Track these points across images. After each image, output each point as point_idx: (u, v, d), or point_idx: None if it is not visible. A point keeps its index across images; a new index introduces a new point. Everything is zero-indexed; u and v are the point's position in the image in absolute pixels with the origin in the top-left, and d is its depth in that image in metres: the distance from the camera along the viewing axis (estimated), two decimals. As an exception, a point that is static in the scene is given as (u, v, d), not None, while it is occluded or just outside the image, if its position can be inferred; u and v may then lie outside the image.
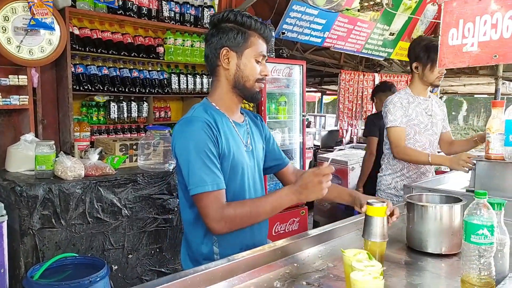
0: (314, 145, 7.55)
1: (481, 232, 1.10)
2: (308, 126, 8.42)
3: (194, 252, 1.38)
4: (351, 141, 6.39)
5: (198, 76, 3.88)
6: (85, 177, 2.50)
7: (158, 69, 3.69)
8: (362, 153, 6.24)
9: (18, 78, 2.68)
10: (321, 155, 6.26)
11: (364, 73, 5.83)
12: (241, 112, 1.49)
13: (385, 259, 1.33)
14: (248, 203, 1.28)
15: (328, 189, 1.44)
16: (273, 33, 4.22)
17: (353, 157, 5.37)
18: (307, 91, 11.74)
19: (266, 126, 1.61)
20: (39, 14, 2.14)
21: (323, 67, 6.08)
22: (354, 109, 5.69)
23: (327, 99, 13.19)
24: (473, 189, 1.92)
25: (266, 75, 1.40)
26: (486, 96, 8.24)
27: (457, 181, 2.40)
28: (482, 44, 1.03)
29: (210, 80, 1.48)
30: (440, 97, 8.00)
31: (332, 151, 6.34)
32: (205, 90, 3.91)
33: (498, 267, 1.18)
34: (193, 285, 1.09)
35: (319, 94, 12.53)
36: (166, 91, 3.62)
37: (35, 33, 2.67)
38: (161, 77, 3.64)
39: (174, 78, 3.68)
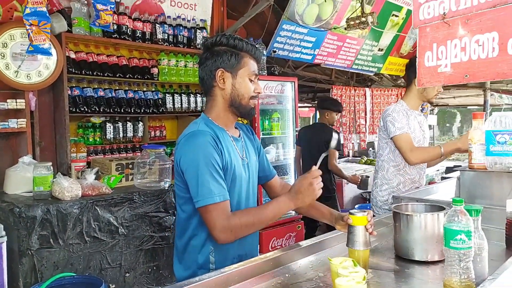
0: (310, 159, 7.63)
1: (459, 238, 1.16)
2: (302, 141, 8.52)
3: (188, 261, 1.44)
4: (346, 155, 6.47)
5: (192, 95, 3.97)
6: (82, 197, 2.55)
7: (153, 89, 3.78)
8: (357, 166, 6.34)
9: (16, 102, 2.76)
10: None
11: (356, 88, 5.96)
12: (235, 127, 1.56)
13: (374, 267, 1.39)
14: (252, 212, 1.37)
15: (310, 207, 1.54)
16: (264, 51, 4.35)
17: (348, 170, 5.44)
18: (301, 107, 11.89)
19: (257, 138, 1.69)
20: (37, 40, 2.23)
21: (315, 83, 6.21)
22: (348, 124, 5.80)
23: (321, 114, 13.29)
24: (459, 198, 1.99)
25: (259, 93, 1.48)
26: (477, 107, 8.38)
27: (446, 191, 2.46)
28: (454, 65, 1.12)
29: (205, 99, 1.54)
30: (432, 110, 8.14)
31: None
32: (199, 108, 4.00)
33: (477, 270, 1.24)
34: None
35: (313, 109, 12.66)
36: (161, 110, 3.70)
37: (32, 58, 2.76)
38: (156, 97, 3.72)
39: (168, 98, 3.77)
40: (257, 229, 1.41)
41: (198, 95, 4.03)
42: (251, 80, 1.44)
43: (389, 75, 6.51)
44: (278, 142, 4.74)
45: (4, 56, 2.67)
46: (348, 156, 6.45)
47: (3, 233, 1.98)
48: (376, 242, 1.73)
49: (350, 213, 1.35)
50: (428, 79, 1.19)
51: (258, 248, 1.69)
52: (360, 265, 1.22)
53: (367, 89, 6.11)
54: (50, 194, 2.51)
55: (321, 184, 1.34)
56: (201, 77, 1.48)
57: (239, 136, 1.52)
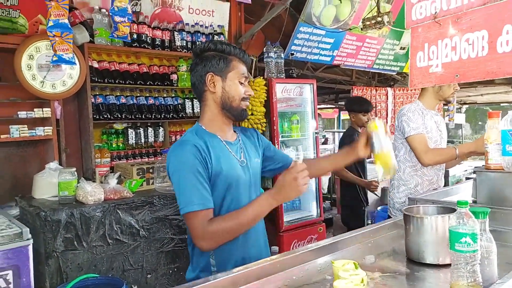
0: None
1: (464, 240, 1.14)
2: (325, 142, 8.45)
3: (194, 264, 1.48)
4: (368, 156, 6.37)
5: (211, 100, 4.03)
6: (104, 200, 2.65)
7: (173, 95, 3.88)
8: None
9: (42, 111, 2.90)
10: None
11: (377, 88, 5.87)
12: (234, 131, 1.58)
13: (384, 270, 1.39)
14: (232, 216, 1.36)
15: (324, 160, 1.56)
16: (282, 54, 4.36)
17: (370, 171, 5.37)
18: (324, 108, 11.80)
19: (262, 137, 1.70)
20: (61, 50, 2.35)
21: (335, 84, 6.16)
22: (368, 124, 5.72)
23: (345, 115, 13.19)
24: (475, 199, 1.94)
25: (250, 95, 1.51)
26: (507, 104, 8.07)
27: (465, 193, 2.40)
28: (445, 65, 1.11)
29: (199, 105, 1.58)
30: (459, 108, 7.90)
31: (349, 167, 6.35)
32: (218, 113, 4.06)
33: (486, 274, 1.21)
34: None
35: (337, 110, 12.55)
36: (180, 115, 3.79)
37: (57, 68, 2.90)
38: (176, 103, 3.82)
39: (187, 103, 3.85)
40: (240, 232, 1.40)
41: (217, 99, 4.09)
42: (241, 83, 1.47)
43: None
44: (297, 144, 4.73)
45: (30, 67, 2.82)
46: (370, 157, 6.35)
47: (29, 236, 2.09)
48: (390, 245, 1.71)
49: (370, 124, 1.49)
50: (420, 79, 1.18)
51: (269, 249, 1.70)
52: (387, 168, 1.43)
53: (389, 88, 6.01)
54: (75, 198, 2.62)
55: (307, 179, 1.31)
56: (192, 82, 1.52)
57: (235, 140, 1.54)
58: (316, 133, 4.71)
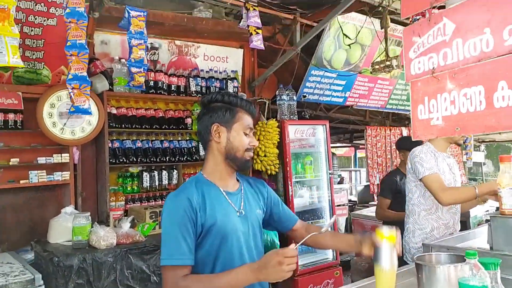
0: (350, 200, 7.43)
1: (474, 294, 1.11)
2: (340, 182, 8.35)
3: None
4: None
5: (224, 143, 4.11)
6: (116, 245, 2.67)
7: (187, 138, 3.97)
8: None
9: (61, 157, 3.01)
10: (356, 212, 6.16)
11: (391, 127, 5.87)
12: (237, 179, 1.58)
13: None
14: (204, 279, 1.33)
15: (329, 237, 1.49)
16: (294, 97, 4.45)
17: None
18: (340, 147, 11.77)
19: (271, 190, 1.68)
20: (78, 102, 2.48)
21: (349, 124, 6.19)
22: (384, 164, 5.67)
23: (361, 153, 13.11)
24: (491, 246, 1.87)
25: (254, 146, 1.52)
26: (528, 141, 7.89)
27: (482, 238, 2.32)
28: (445, 118, 1.13)
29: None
30: (478, 146, 7.77)
31: (367, 207, 6.22)
32: (231, 155, 4.12)
33: (500, 329, 1.16)
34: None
35: (353, 149, 12.49)
36: (194, 158, 3.86)
37: (77, 115, 3.03)
38: (190, 146, 3.90)
39: (201, 146, 3.93)
40: None
41: (230, 142, 4.16)
42: (245, 134, 1.49)
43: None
44: (312, 185, 4.70)
45: (51, 115, 2.97)
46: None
47: (41, 282, 2.12)
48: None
49: (378, 231, 1.31)
50: (422, 131, 1.19)
51: None
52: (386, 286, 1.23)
53: (403, 128, 5.99)
54: (88, 243, 2.65)
55: (293, 266, 1.21)
56: (198, 131, 1.54)
57: (237, 189, 1.54)
58: (330, 173, 4.69)
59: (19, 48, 2.23)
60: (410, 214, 2.45)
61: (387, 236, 1.31)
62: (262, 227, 1.62)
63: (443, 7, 1.16)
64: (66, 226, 2.78)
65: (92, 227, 2.69)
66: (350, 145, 10.16)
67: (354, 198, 7.97)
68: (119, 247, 2.66)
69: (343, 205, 6.16)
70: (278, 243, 4.26)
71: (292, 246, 1.24)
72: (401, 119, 6.58)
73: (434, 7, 1.14)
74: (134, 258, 2.67)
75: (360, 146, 10.13)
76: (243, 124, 1.49)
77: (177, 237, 1.33)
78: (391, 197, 3.38)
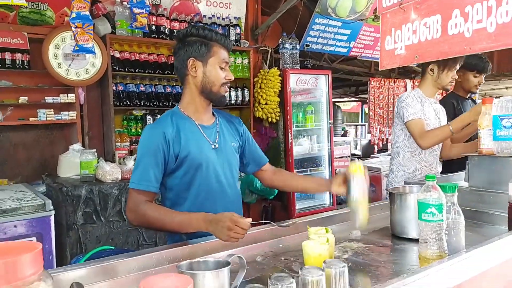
0: (353, 154, 7.57)
1: (429, 211, 1.24)
2: (344, 135, 8.45)
3: (168, 236, 1.59)
4: (384, 149, 6.36)
5: (226, 89, 4.19)
6: (121, 180, 2.86)
7: (190, 84, 4.05)
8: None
9: (67, 97, 3.14)
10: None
11: (395, 79, 5.85)
12: (213, 114, 1.62)
13: (368, 242, 1.49)
14: (161, 211, 1.41)
15: (300, 179, 1.62)
16: (297, 45, 4.45)
17: (387, 164, 5.37)
18: (345, 101, 11.74)
19: (245, 127, 1.73)
20: (82, 41, 2.56)
21: (351, 76, 6.17)
22: (385, 116, 5.72)
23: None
24: (469, 183, 1.99)
25: (230, 79, 1.54)
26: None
27: (460, 177, 2.42)
28: (407, 47, 1.20)
29: (182, 88, 1.60)
30: (484, 102, 7.70)
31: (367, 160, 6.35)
32: (233, 102, 4.21)
33: (453, 243, 1.30)
34: (193, 255, 1.30)
35: (360, 104, 12.45)
36: (196, 104, 3.96)
37: (81, 57, 3.12)
38: (192, 92, 3.98)
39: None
40: (161, 229, 1.44)
41: (232, 89, 4.24)
42: (221, 68, 1.51)
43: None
44: (312, 135, 4.81)
45: (57, 56, 3.06)
46: (387, 150, 6.34)
47: (52, 207, 2.32)
48: (378, 224, 1.79)
49: (348, 167, 1.44)
50: (387, 61, 1.27)
51: None
52: (361, 219, 1.39)
53: (408, 80, 5.96)
54: (94, 177, 2.84)
55: (239, 236, 1.23)
56: (175, 66, 1.56)
57: (213, 124, 1.58)
58: (330, 123, 4.77)
59: (22, -13, 2.28)
60: (394, 156, 2.57)
61: (355, 169, 1.41)
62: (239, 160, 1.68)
63: None
64: (74, 162, 2.97)
65: (98, 162, 2.86)
66: (356, 99, 10.14)
67: (358, 152, 8.12)
68: (123, 181, 2.85)
69: (345, 157, 6.30)
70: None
71: (249, 219, 1.23)
72: (407, 72, 6.52)
73: None
74: (137, 192, 2.86)
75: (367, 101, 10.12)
76: (218, 58, 1.50)
77: (146, 165, 1.42)
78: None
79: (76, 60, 3.12)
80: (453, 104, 2.96)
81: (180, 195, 1.52)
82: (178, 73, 1.57)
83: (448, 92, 3.04)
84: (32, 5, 3.02)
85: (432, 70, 2.38)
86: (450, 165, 2.76)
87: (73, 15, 2.51)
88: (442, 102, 3.05)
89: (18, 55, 3.02)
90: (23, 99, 3.03)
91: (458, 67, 2.41)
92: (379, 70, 1.36)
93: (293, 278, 0.89)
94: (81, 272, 1.13)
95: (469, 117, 2.17)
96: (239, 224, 1.21)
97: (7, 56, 2.98)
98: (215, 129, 1.58)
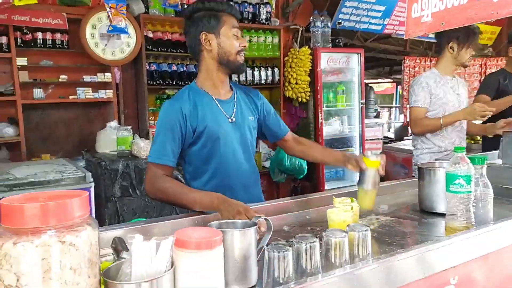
0: (385, 137, 7.42)
1: (457, 182, 1.24)
2: (377, 116, 8.27)
3: None
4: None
5: (256, 69, 4.21)
6: (155, 155, 2.98)
7: (220, 63, 4.10)
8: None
9: (104, 76, 3.27)
10: (388, 145, 6.17)
11: (432, 58, 5.64)
12: (231, 88, 1.63)
13: (396, 216, 1.50)
14: (178, 185, 1.45)
15: (319, 150, 1.68)
16: (329, 23, 4.36)
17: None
18: (380, 83, 11.43)
19: (265, 100, 1.74)
20: (115, 21, 2.65)
21: (385, 55, 6.00)
22: (420, 96, 5.55)
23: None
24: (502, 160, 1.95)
25: (245, 46, 1.54)
26: None
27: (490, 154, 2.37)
28: (434, 14, 1.19)
29: (197, 66, 1.60)
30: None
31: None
32: (263, 81, 4.23)
33: (481, 216, 1.30)
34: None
35: (394, 85, 12.09)
36: (227, 83, 4.01)
37: (116, 37, 3.23)
38: (223, 71, 4.03)
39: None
40: (176, 203, 1.47)
41: (262, 68, 4.25)
42: (234, 36, 1.51)
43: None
44: (342, 115, 4.76)
45: (93, 36, 3.18)
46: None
47: (92, 179, 2.46)
48: (407, 199, 1.78)
49: (364, 156, 1.43)
50: (413, 29, 1.25)
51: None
52: (367, 203, 1.37)
53: (445, 59, 5.73)
54: (130, 152, 2.97)
55: (241, 218, 1.21)
56: (188, 45, 1.55)
57: (230, 98, 1.59)
58: (362, 103, 4.70)
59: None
60: (418, 136, 2.59)
61: (372, 162, 1.41)
62: (257, 135, 1.71)
63: None
64: (111, 138, 3.11)
65: (133, 139, 2.99)
66: (390, 80, 9.86)
67: (391, 135, 7.94)
68: (157, 157, 2.96)
69: (378, 139, 6.19)
70: (306, 167, 4.45)
71: (261, 219, 1.09)
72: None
73: None
74: (170, 168, 2.97)
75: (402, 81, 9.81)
76: (229, 27, 1.50)
77: (164, 140, 1.45)
78: (491, 95, 2.91)
79: (111, 39, 3.23)
80: (499, 80, 2.98)
81: (199, 168, 1.56)
82: (191, 50, 1.57)
83: (495, 71, 3.15)
84: (70, -13, 3.15)
85: (452, 48, 2.39)
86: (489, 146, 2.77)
87: (108, -5, 2.61)
88: (488, 77, 3.14)
89: (58, 35, 3.17)
90: (63, 77, 3.19)
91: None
92: (405, 38, 1.34)
93: (316, 237, 0.93)
94: (120, 232, 1.21)
95: (458, 117, 2.29)
96: (248, 214, 1.20)
97: (48, 36, 3.13)
98: (233, 103, 1.59)
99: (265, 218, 1.07)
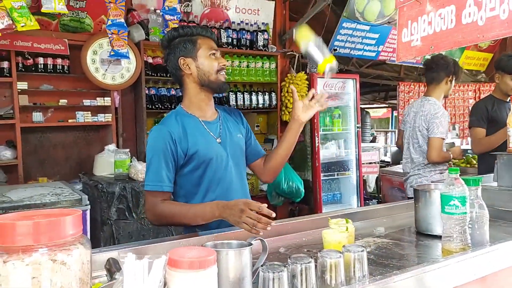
0: (382, 161, 7.43)
1: (452, 203, 1.24)
2: (373, 141, 8.33)
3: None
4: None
5: (254, 93, 4.27)
6: (152, 179, 2.97)
7: (218, 88, 4.16)
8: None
9: (103, 100, 3.31)
10: (385, 168, 6.19)
11: (425, 83, 5.73)
12: (216, 109, 1.66)
13: (394, 239, 1.50)
14: (176, 206, 1.49)
15: (277, 144, 1.66)
16: (293, 54, 4.46)
17: (417, 170, 5.27)
18: (375, 108, 11.56)
19: (245, 121, 1.75)
20: (117, 46, 2.71)
21: (380, 80, 6.10)
22: (416, 121, 5.61)
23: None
24: (497, 182, 1.96)
25: (224, 64, 1.57)
26: None
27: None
28: (423, 39, 1.24)
29: (181, 91, 1.63)
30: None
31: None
32: (260, 106, 4.29)
33: (477, 237, 1.30)
34: (219, 237, 1.34)
35: (390, 110, 12.22)
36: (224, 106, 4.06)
37: (116, 62, 3.30)
38: (221, 95, 4.09)
39: (232, 96, 4.12)
40: (180, 223, 1.51)
41: (260, 93, 4.32)
42: (213, 56, 1.54)
43: (467, 70, 6.13)
44: (339, 139, 4.81)
45: (94, 61, 3.24)
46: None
47: (88, 202, 2.45)
48: (403, 221, 1.78)
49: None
50: (404, 53, 1.30)
51: None
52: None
53: (438, 85, 5.84)
54: (128, 175, 2.97)
55: (250, 221, 1.23)
56: (170, 72, 1.60)
57: (215, 119, 1.62)
58: (358, 127, 4.76)
59: (63, -3, 2.45)
60: (415, 158, 2.69)
61: (301, 36, 1.46)
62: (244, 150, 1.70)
63: None
64: (109, 161, 3.12)
65: (131, 162, 3.00)
66: (386, 105, 9.98)
67: (388, 159, 7.96)
68: (154, 180, 2.96)
69: (374, 163, 6.21)
70: (303, 191, 4.44)
71: (264, 205, 1.21)
72: (438, 77, 6.38)
73: None
74: (167, 191, 2.97)
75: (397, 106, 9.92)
76: (206, 49, 1.53)
77: (157, 167, 1.46)
78: (485, 126, 2.89)
79: (112, 65, 3.29)
80: (487, 108, 2.92)
81: (191, 191, 1.56)
82: (174, 77, 1.60)
83: (487, 95, 3.18)
84: (73, 14, 3.23)
85: (498, 78, 2.82)
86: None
87: (109, 22, 2.68)
88: (476, 107, 3.09)
89: (59, 61, 3.23)
90: (63, 101, 3.23)
91: None
92: (396, 62, 1.39)
93: (312, 258, 0.93)
94: (114, 253, 1.20)
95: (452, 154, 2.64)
96: (252, 207, 1.23)
97: (49, 61, 3.19)
98: (218, 124, 1.62)
99: (260, 239, 1.07)
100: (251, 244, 0.98)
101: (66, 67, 3.27)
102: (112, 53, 2.74)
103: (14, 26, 2.32)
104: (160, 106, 3.72)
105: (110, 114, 3.38)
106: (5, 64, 3.05)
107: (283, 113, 4.43)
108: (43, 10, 2.40)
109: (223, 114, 1.67)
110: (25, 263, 0.62)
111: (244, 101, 4.20)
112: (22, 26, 2.29)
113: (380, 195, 6.73)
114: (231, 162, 1.60)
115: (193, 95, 1.57)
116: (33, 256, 0.63)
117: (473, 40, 1.07)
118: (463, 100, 5.95)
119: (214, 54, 1.55)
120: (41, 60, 3.19)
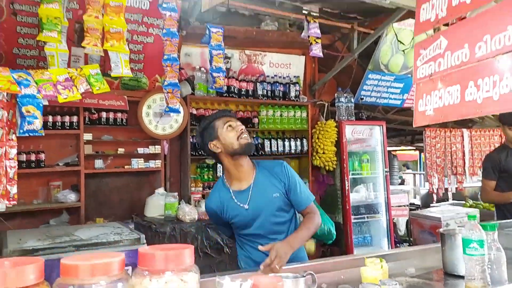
0: (412, 204, 7.46)
1: (472, 246, 1.47)
2: (402, 183, 8.40)
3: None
4: (445, 199, 6.29)
5: (287, 140, 4.62)
6: (198, 220, 3.29)
7: (254, 135, 4.53)
8: (459, 209, 6.08)
9: (154, 148, 3.72)
10: (415, 212, 6.26)
11: (451, 129, 5.93)
12: (255, 169, 1.91)
13: (423, 277, 1.71)
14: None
15: None
16: (351, 99, 4.81)
17: (448, 213, 5.32)
18: (402, 150, 11.65)
19: (290, 173, 1.95)
20: (171, 103, 3.12)
21: (406, 126, 6.33)
22: (442, 165, 5.76)
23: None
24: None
25: (242, 130, 1.84)
26: None
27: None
28: (435, 110, 1.55)
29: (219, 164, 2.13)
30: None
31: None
32: (292, 151, 4.61)
33: (496, 276, 1.50)
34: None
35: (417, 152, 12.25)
36: (260, 153, 4.41)
37: (167, 115, 3.73)
38: (257, 142, 4.45)
39: (267, 142, 4.47)
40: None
41: (292, 139, 4.66)
42: (229, 128, 1.83)
43: (492, 115, 6.29)
44: (368, 182, 5.01)
45: (148, 114, 3.69)
46: (447, 199, 6.27)
47: (145, 241, 2.76)
48: (433, 263, 1.96)
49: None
50: (420, 120, 1.60)
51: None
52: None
53: (464, 130, 6.01)
54: (176, 216, 3.30)
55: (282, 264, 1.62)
56: (208, 155, 1.98)
57: (247, 188, 1.88)
58: (386, 171, 4.96)
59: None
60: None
61: None
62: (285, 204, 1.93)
63: (446, 24, 1.56)
64: (158, 204, 3.47)
65: (179, 204, 3.33)
66: (413, 147, 10.09)
67: (417, 201, 7.98)
68: (199, 221, 3.27)
69: (404, 206, 6.30)
70: (335, 233, 4.64)
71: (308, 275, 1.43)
72: (464, 121, 6.55)
73: (435, 29, 1.55)
74: (211, 232, 3.26)
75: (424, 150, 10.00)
76: (222, 126, 1.83)
77: (219, 225, 2.06)
78: (496, 177, 3.12)
79: (163, 117, 3.73)
80: (500, 159, 3.12)
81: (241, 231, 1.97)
82: (213, 157, 1.95)
83: (496, 148, 3.54)
84: (133, 74, 3.73)
85: (502, 129, 3.07)
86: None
87: (166, 83, 3.10)
88: (488, 158, 3.29)
89: (119, 115, 3.70)
90: (120, 150, 3.66)
91: None
92: (414, 127, 1.68)
93: None
94: (211, 279, 1.48)
95: None
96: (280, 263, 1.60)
97: (111, 115, 3.67)
98: (248, 193, 1.87)
99: (311, 273, 1.34)
100: (304, 276, 1.25)
101: (124, 120, 3.73)
102: (167, 109, 3.16)
103: (90, 90, 2.77)
104: (203, 153, 4.09)
105: (160, 161, 3.77)
106: (75, 119, 3.53)
107: (314, 158, 4.72)
108: (113, 75, 2.83)
109: (259, 177, 1.91)
110: (163, 280, 0.93)
111: (278, 147, 4.53)
112: (97, 90, 2.71)
113: (411, 239, 6.74)
114: (257, 222, 1.89)
115: (229, 167, 1.87)
116: (165, 275, 0.94)
117: (474, 113, 1.37)
118: (489, 145, 6.07)
119: (230, 125, 1.84)
120: (104, 114, 3.67)
